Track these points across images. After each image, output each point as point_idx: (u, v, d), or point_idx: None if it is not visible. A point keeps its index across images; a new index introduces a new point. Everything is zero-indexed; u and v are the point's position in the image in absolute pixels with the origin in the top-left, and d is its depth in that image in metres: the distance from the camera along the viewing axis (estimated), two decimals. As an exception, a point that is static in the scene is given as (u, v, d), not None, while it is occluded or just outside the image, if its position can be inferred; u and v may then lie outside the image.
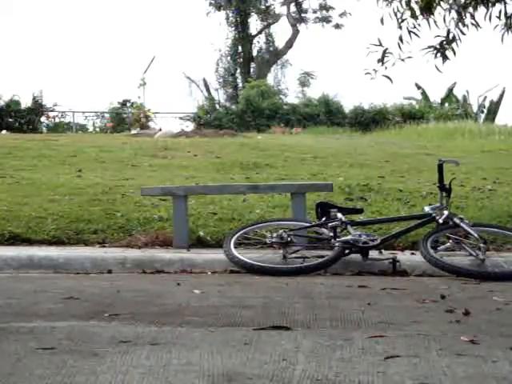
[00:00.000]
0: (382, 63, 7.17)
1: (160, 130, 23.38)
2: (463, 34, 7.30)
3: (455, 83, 29.70)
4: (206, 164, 11.24)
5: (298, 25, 35.64)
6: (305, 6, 36.23)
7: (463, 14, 7.26)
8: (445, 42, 7.31)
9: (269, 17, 35.95)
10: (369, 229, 6.22)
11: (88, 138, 16.94)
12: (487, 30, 7.41)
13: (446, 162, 6.14)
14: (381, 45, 7.16)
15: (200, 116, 27.34)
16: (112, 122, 27.80)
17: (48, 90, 55.02)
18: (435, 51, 7.28)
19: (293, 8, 36.02)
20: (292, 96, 32.11)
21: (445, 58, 7.34)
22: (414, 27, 7.21)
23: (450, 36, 7.31)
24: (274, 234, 5.81)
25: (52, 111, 27.32)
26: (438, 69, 7.34)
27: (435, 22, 7.22)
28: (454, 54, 7.34)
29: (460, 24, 7.27)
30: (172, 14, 60.69)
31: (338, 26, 35.96)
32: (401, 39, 7.15)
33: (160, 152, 12.89)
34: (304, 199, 6.31)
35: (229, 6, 34.45)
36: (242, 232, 5.95)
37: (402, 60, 7.17)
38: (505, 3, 7.13)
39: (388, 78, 7.19)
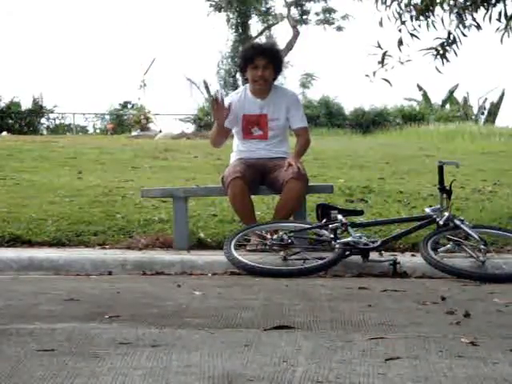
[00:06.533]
0: (382, 66, 7.17)
1: (160, 131, 23.43)
2: (464, 35, 7.31)
3: (457, 85, 29.73)
4: (207, 165, 11.24)
5: (298, 26, 35.65)
6: (306, 7, 36.24)
7: (464, 16, 7.26)
8: (445, 44, 7.31)
9: (270, 18, 35.93)
10: (369, 230, 6.21)
11: (88, 140, 16.94)
12: (488, 31, 7.42)
13: (447, 164, 6.14)
14: (380, 47, 7.16)
15: (200, 117, 27.34)
16: (112, 124, 27.84)
17: (48, 92, 55.08)
18: (435, 52, 7.29)
19: (293, 10, 36.03)
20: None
21: (445, 59, 7.34)
22: (414, 29, 7.21)
23: (451, 37, 7.31)
24: (275, 236, 5.81)
25: (52, 113, 27.36)
26: (438, 70, 7.34)
27: (434, 23, 7.23)
28: (456, 55, 7.34)
29: (461, 25, 7.28)
30: (172, 15, 60.77)
31: (339, 29, 35.97)
32: (400, 41, 7.15)
33: (160, 153, 12.91)
34: (304, 201, 6.31)
35: (229, 8, 34.47)
36: (242, 234, 5.95)
37: (402, 63, 7.17)
38: (504, 4, 7.12)
39: (387, 81, 7.19)
